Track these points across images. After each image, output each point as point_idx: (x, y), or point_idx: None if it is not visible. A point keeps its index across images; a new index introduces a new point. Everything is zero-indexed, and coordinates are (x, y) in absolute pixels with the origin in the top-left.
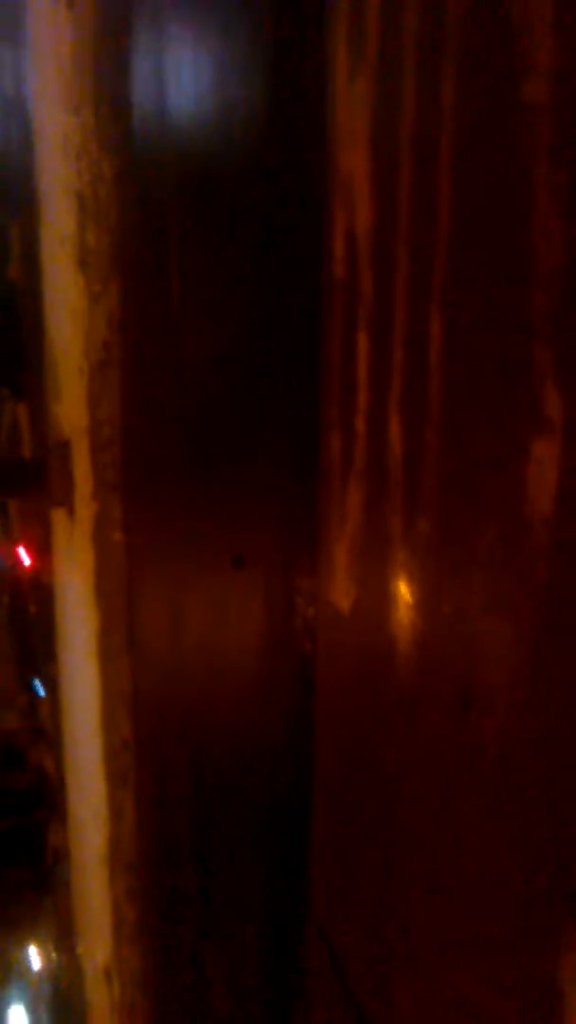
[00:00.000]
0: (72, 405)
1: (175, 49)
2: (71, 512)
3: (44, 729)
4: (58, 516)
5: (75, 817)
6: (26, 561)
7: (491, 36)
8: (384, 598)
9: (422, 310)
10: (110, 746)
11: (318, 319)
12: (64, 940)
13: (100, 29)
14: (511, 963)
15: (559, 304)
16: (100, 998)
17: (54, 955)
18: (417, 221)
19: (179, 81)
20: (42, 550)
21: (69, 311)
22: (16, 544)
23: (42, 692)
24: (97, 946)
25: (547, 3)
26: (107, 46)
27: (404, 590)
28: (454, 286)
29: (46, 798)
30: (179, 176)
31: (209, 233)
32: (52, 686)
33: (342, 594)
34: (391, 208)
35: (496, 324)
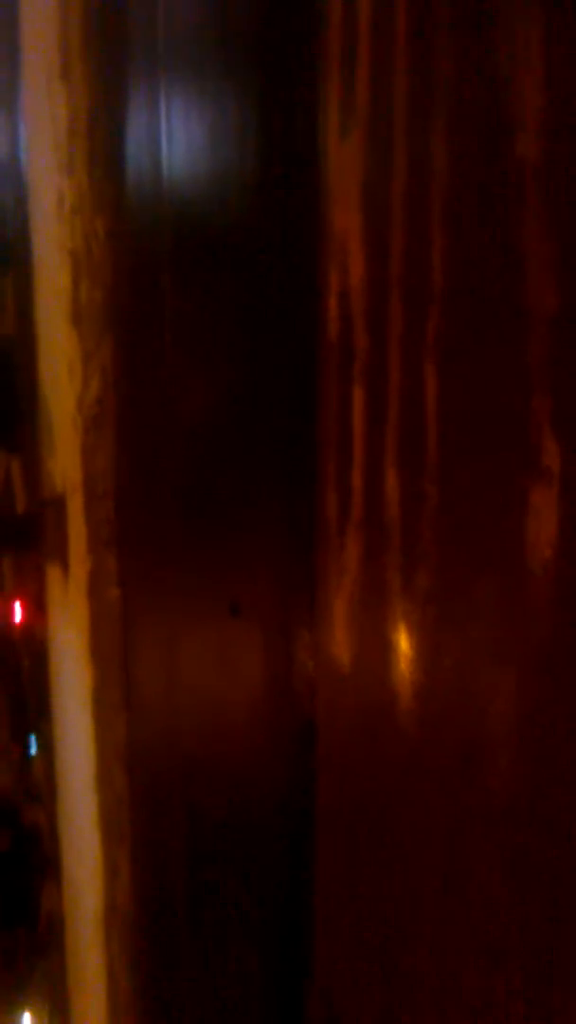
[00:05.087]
0: (66, 460)
1: (168, 112)
2: (66, 568)
3: (37, 787)
4: (52, 571)
5: (70, 877)
6: (19, 616)
7: (480, 94)
8: (384, 651)
9: (417, 364)
10: (105, 803)
11: (312, 375)
12: (57, 1003)
13: (94, 96)
14: None
15: (555, 354)
16: None
17: (47, 1019)
18: (410, 277)
19: (172, 143)
20: (36, 605)
21: (63, 366)
22: (9, 599)
23: (35, 748)
24: (91, 1010)
25: (535, 61)
26: (101, 111)
27: (404, 643)
28: (448, 340)
29: (40, 859)
30: (173, 234)
31: (201, 290)
32: (46, 742)
33: (342, 648)
34: (384, 265)
35: (492, 376)
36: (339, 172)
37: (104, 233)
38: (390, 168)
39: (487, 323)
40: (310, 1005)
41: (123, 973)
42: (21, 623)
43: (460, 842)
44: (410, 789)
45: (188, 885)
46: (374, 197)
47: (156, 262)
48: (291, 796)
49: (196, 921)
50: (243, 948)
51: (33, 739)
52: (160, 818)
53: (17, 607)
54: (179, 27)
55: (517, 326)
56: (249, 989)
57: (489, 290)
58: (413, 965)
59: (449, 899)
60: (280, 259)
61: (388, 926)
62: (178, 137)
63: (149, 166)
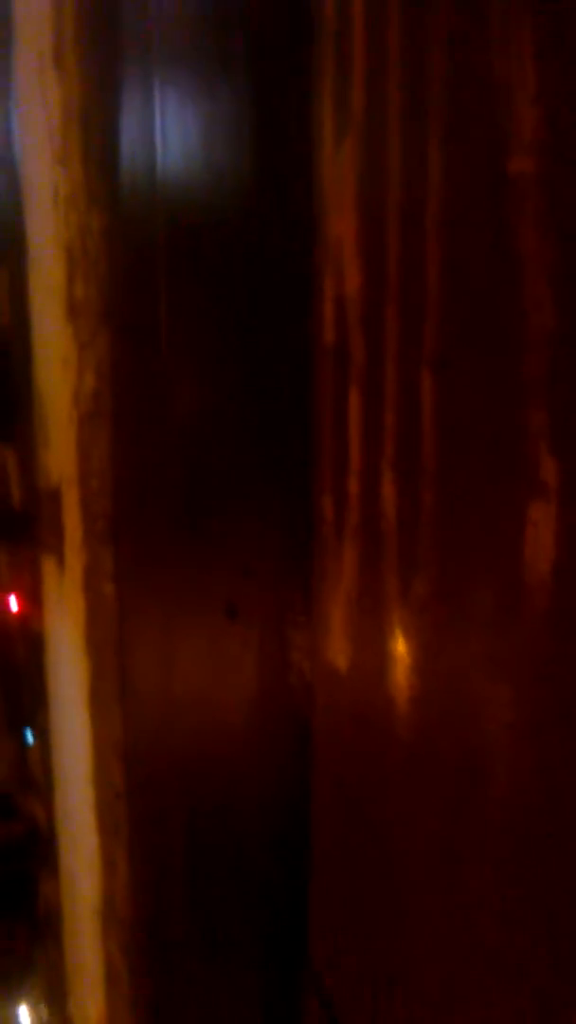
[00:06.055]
0: (61, 454)
1: (163, 108)
2: (61, 561)
3: (34, 778)
4: (48, 564)
5: (67, 869)
6: (15, 608)
7: (474, 105)
8: (381, 658)
9: (413, 374)
10: (102, 796)
11: (309, 378)
12: (55, 995)
13: (88, 86)
14: None
15: (552, 368)
16: None
17: (45, 1011)
18: (406, 286)
19: (167, 140)
20: (31, 597)
21: (58, 360)
22: (5, 591)
23: (31, 740)
24: (89, 1002)
25: (528, 76)
26: (95, 102)
27: (401, 650)
28: (445, 350)
29: (37, 849)
30: (167, 232)
31: (197, 289)
32: (42, 734)
33: (338, 652)
34: (380, 273)
35: (489, 387)
36: (334, 180)
37: (99, 229)
38: (385, 178)
39: (483, 335)
40: (306, 999)
41: (122, 965)
42: (17, 615)
43: (456, 850)
44: (406, 795)
45: (185, 880)
46: (369, 206)
47: (151, 260)
48: (286, 795)
49: (194, 915)
50: (240, 943)
51: (29, 730)
52: (157, 813)
53: (12, 599)
54: (173, 20)
55: (514, 339)
56: (246, 982)
57: (485, 301)
58: (408, 968)
59: (445, 905)
60: (275, 262)
61: (383, 928)
62: (172, 134)
63: (143, 162)
